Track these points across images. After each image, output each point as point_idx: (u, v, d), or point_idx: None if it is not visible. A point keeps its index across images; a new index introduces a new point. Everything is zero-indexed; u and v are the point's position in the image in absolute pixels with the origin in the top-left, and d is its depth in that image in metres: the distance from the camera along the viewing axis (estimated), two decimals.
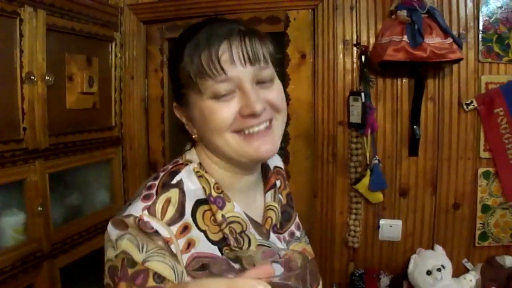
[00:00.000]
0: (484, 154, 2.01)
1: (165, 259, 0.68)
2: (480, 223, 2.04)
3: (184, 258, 0.71)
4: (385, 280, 2.03)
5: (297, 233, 0.95)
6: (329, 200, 2.11)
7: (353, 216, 2.08)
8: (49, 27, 1.67)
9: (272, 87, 0.79)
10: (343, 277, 2.12)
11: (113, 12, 2.15)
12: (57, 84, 1.74)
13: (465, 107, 1.98)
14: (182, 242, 0.72)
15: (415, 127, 1.99)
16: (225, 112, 0.74)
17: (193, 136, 0.84)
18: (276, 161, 1.01)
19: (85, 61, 1.91)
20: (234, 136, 0.76)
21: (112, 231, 0.71)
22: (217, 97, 0.74)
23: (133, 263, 0.68)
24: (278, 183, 0.96)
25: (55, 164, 1.74)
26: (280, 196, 0.96)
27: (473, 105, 1.98)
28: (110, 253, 0.71)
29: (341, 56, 2.04)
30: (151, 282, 0.67)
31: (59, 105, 1.77)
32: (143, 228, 0.69)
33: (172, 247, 0.70)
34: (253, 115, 0.74)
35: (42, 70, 1.63)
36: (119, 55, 2.19)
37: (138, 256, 0.68)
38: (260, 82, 0.77)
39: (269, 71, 0.78)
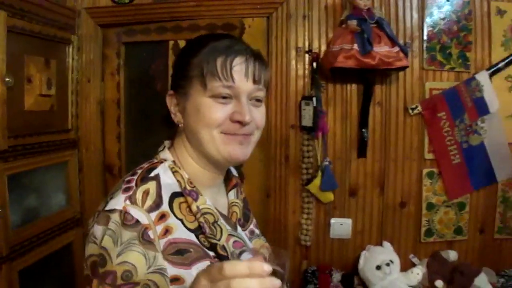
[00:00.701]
0: (428, 156, 2.25)
1: (137, 248, 0.80)
2: (425, 220, 2.28)
3: (161, 243, 0.84)
4: (337, 276, 2.22)
5: (257, 231, 1.13)
6: (282, 200, 2.29)
7: (305, 216, 2.27)
8: (9, 28, 1.77)
9: (260, 107, 0.97)
10: (297, 274, 2.30)
11: (71, 15, 2.26)
12: (16, 85, 1.83)
13: (410, 111, 2.22)
14: (159, 228, 0.85)
15: (363, 130, 2.20)
16: (219, 112, 0.91)
17: (179, 125, 0.99)
18: (234, 172, 1.19)
19: (44, 63, 2.02)
20: (220, 135, 0.92)
21: (96, 228, 0.84)
22: (217, 97, 0.91)
23: (105, 263, 0.80)
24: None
25: (13, 166, 1.82)
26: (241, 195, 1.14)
27: (418, 110, 2.23)
28: (92, 248, 0.83)
29: (293, 62, 2.23)
30: (119, 281, 0.78)
31: (18, 106, 1.86)
32: (125, 222, 0.82)
33: (150, 232, 0.83)
34: (241, 122, 0.92)
35: (1, 71, 1.72)
36: (76, 57, 2.31)
37: (114, 251, 0.80)
38: (253, 99, 0.95)
39: (263, 93, 0.98)
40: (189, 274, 0.84)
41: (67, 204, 2.32)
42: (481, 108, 2.23)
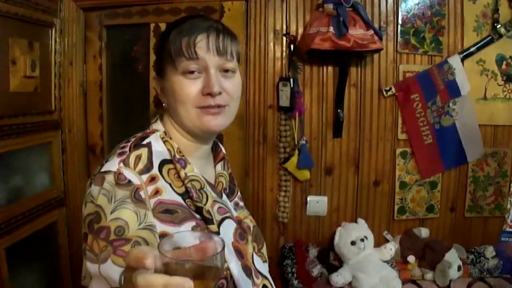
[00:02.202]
0: (402, 136, 2.36)
1: (129, 205, 0.88)
2: (399, 199, 2.38)
3: (152, 202, 0.92)
4: (313, 251, 2.31)
5: (241, 204, 1.22)
6: (260, 179, 2.37)
7: (282, 193, 2.36)
8: None
9: (232, 78, 1.04)
10: (274, 250, 2.38)
11: None
12: (1, 67, 1.89)
13: (384, 93, 2.32)
14: (150, 189, 0.93)
15: (339, 111, 2.29)
16: (190, 88, 0.99)
17: (163, 105, 1.08)
18: (223, 149, 1.28)
19: (27, 45, 2.07)
20: (195, 110, 1.00)
21: (93, 188, 0.91)
22: (186, 73, 0.99)
23: (100, 219, 0.87)
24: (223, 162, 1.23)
25: None
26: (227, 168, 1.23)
27: (392, 92, 2.33)
28: (89, 208, 0.91)
29: (271, 44, 2.30)
30: (112, 235, 0.84)
31: (3, 88, 1.92)
32: (118, 181, 0.90)
33: (142, 192, 0.91)
34: (210, 94, 0.99)
35: None
36: (59, 40, 2.35)
37: (108, 208, 0.87)
38: (223, 71, 1.02)
39: (232, 64, 1.03)
40: (177, 231, 0.91)
41: (51, 184, 2.36)
42: (453, 90, 2.33)
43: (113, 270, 0.84)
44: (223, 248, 0.67)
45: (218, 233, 0.98)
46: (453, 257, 2.23)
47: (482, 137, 2.38)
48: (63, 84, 2.42)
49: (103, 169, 0.93)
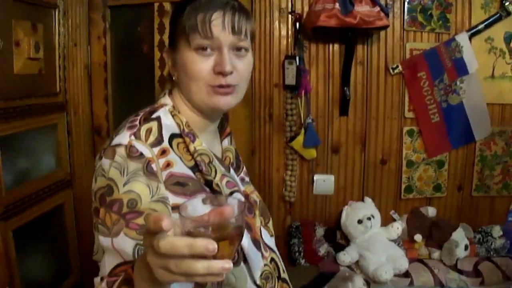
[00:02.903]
0: (408, 114, 2.35)
1: (141, 178, 0.89)
2: (405, 177, 2.38)
3: (163, 174, 0.93)
4: (320, 230, 2.32)
5: (247, 179, 1.23)
6: (267, 158, 2.38)
7: (289, 172, 2.37)
8: None
9: (244, 57, 1.03)
10: (281, 229, 2.40)
11: None
12: (5, 49, 1.87)
13: (391, 71, 2.31)
14: (161, 161, 0.94)
15: (345, 89, 2.29)
16: (203, 65, 0.99)
17: (173, 78, 1.08)
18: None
19: (31, 27, 2.06)
20: (206, 87, 1.00)
21: (104, 161, 0.92)
22: (199, 49, 0.99)
23: (112, 192, 0.87)
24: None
25: (4, 128, 1.88)
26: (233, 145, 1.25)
27: (399, 70, 2.32)
28: (100, 181, 0.91)
29: (277, 23, 2.29)
30: (125, 208, 0.84)
31: (7, 70, 1.91)
32: (130, 154, 0.90)
33: (153, 165, 0.92)
34: (222, 73, 0.97)
35: None
36: (62, 22, 2.34)
37: (120, 181, 0.88)
38: (236, 49, 1.02)
39: (246, 43, 1.02)
40: (190, 203, 0.91)
41: (57, 166, 2.37)
42: (460, 68, 2.31)
43: (126, 243, 0.84)
44: (243, 206, 0.68)
45: None
46: (460, 236, 2.24)
47: (490, 116, 2.36)
48: (68, 66, 2.41)
49: (113, 143, 0.93)
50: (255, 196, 1.20)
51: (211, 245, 0.57)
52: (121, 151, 0.91)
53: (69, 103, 2.44)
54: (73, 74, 2.43)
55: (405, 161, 2.39)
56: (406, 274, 2.15)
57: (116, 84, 2.52)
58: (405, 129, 2.37)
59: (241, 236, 0.67)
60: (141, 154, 0.91)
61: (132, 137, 0.93)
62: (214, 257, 0.59)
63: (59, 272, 2.33)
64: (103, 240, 0.86)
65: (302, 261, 2.27)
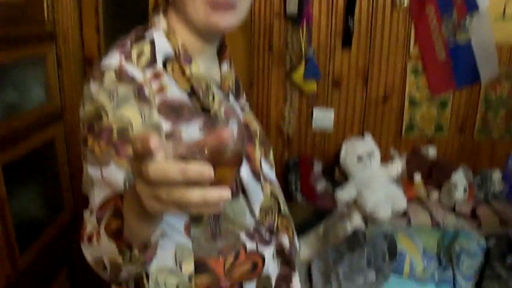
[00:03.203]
0: (414, 51, 2.29)
1: (132, 103, 0.82)
2: (407, 116, 2.35)
3: (156, 99, 0.86)
4: (318, 166, 2.31)
5: (247, 107, 1.15)
6: (265, 90, 2.35)
7: (288, 105, 2.33)
8: None
9: None
10: (278, 165, 2.38)
11: None
12: None
13: (398, 4, 2.23)
14: (154, 85, 0.87)
15: (349, 20, 2.22)
16: None
17: None
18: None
19: None
20: (203, 6, 0.91)
21: (92, 85, 0.84)
22: None
23: (101, 119, 0.81)
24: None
25: None
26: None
27: (406, 3, 2.22)
28: (88, 107, 0.84)
29: None
30: (115, 136, 0.79)
31: None
32: (120, 77, 0.83)
33: (146, 89, 0.84)
34: None
35: None
36: None
37: (109, 106, 0.81)
38: None
39: None
40: (185, 130, 0.86)
41: (47, 99, 2.30)
42: (470, 4, 2.22)
43: (116, 173, 0.79)
44: (244, 130, 0.60)
45: None
46: (459, 178, 2.22)
47: (498, 57, 2.29)
48: None
49: (102, 64, 0.86)
50: (255, 126, 1.12)
51: (207, 170, 0.51)
52: (110, 74, 0.83)
53: (58, 33, 2.34)
54: (61, 1, 2.32)
55: (408, 98, 2.35)
56: (404, 214, 2.15)
57: (108, 12, 2.40)
58: (410, 65, 2.31)
59: (240, 162, 0.60)
60: (133, 78, 0.84)
61: (123, 58, 0.86)
62: (211, 185, 0.52)
63: (52, 208, 2.30)
64: (92, 171, 0.81)
65: (299, 198, 2.26)
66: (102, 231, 0.69)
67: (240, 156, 0.60)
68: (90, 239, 0.73)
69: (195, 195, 0.52)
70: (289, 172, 2.31)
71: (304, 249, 1.99)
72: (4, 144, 1.88)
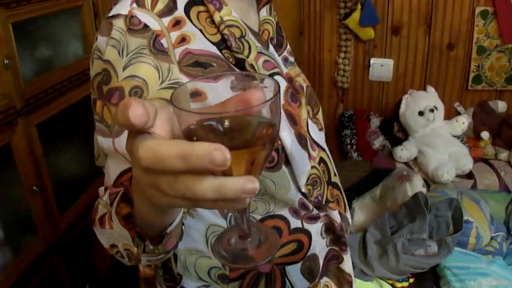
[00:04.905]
0: None
1: (146, 58, 0.72)
2: (475, 66, 2.22)
3: (177, 52, 0.74)
4: (375, 121, 2.25)
5: (291, 59, 1.02)
6: (317, 38, 2.28)
7: (342, 55, 2.26)
8: None
9: None
10: (332, 118, 2.34)
11: None
12: None
13: None
14: (174, 35, 0.75)
15: None
16: None
17: None
18: None
19: None
20: None
21: (100, 39, 0.75)
22: None
23: (110, 79, 0.72)
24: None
25: (18, 13, 1.70)
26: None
27: None
28: (97, 66, 0.75)
29: None
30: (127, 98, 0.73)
31: None
32: (131, 27, 0.73)
33: (163, 41, 0.73)
34: None
35: None
36: None
37: (119, 64, 0.72)
38: None
39: None
40: (214, 89, 0.64)
41: (84, 53, 2.27)
42: None
43: None
44: (278, 92, 0.43)
45: None
46: None
47: None
48: None
49: (110, 13, 0.74)
50: (302, 81, 0.98)
51: (220, 153, 0.36)
52: (119, 23, 0.72)
53: None
54: None
55: (476, 46, 2.22)
56: (469, 175, 2.08)
57: None
58: (478, 9, 2.17)
59: (274, 138, 0.45)
60: (146, 26, 0.72)
61: (134, 4, 0.73)
62: (229, 173, 0.39)
63: (91, 170, 2.28)
64: (103, 142, 0.72)
65: (354, 155, 2.22)
66: (114, 214, 0.58)
67: (274, 133, 0.44)
68: (102, 222, 0.63)
69: (206, 187, 0.38)
70: (344, 127, 2.26)
71: (359, 213, 1.93)
72: (38, 103, 1.84)
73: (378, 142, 2.21)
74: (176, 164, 0.37)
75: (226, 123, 0.41)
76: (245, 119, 0.42)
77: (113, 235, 0.62)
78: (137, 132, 0.39)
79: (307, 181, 0.84)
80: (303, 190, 0.83)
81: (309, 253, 0.85)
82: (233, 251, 0.49)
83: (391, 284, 1.61)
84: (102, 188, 0.70)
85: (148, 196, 0.43)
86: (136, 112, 0.37)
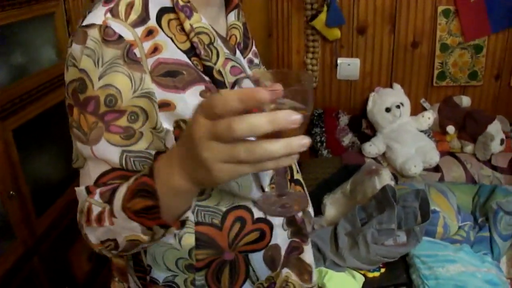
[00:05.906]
0: None
1: (121, 68, 0.74)
2: (439, 63, 2.28)
3: (149, 62, 0.77)
4: (344, 119, 2.28)
5: (256, 61, 1.05)
6: (285, 40, 2.31)
7: (310, 55, 2.29)
8: None
9: None
10: None
11: None
12: None
13: None
14: (147, 45, 0.77)
15: None
16: None
17: None
18: None
19: None
20: None
21: (75, 47, 0.76)
22: None
23: (86, 88, 0.74)
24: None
25: None
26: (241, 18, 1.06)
27: None
28: (72, 73, 0.77)
29: None
30: (102, 108, 0.73)
31: None
32: (106, 37, 0.74)
33: (136, 51, 0.75)
34: None
35: None
36: None
37: (95, 73, 0.74)
38: None
39: None
40: (182, 99, 0.78)
41: (58, 58, 2.27)
42: None
43: (109, 151, 0.74)
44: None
45: None
46: (496, 129, 2.17)
47: None
48: None
49: (85, 22, 0.76)
50: (267, 78, 1.04)
51: (295, 115, 0.50)
52: (94, 33, 0.74)
53: None
54: None
55: (439, 44, 2.28)
56: (437, 168, 2.12)
57: None
58: (440, 8, 2.23)
59: (309, 116, 0.60)
60: (120, 37, 0.75)
61: (108, 14, 0.76)
62: (286, 135, 0.52)
63: (67, 173, 2.29)
64: (82, 148, 0.76)
65: (325, 152, 2.24)
66: (118, 211, 0.68)
67: (310, 96, 0.60)
68: (100, 220, 0.71)
69: (279, 146, 0.51)
70: (314, 125, 2.28)
71: (331, 208, 1.97)
72: (13, 108, 1.85)
73: (348, 139, 2.24)
74: (264, 125, 0.50)
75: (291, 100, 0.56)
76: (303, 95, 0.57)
77: (113, 230, 0.70)
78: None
79: (270, 181, 0.88)
80: (267, 189, 0.87)
81: (271, 243, 0.89)
82: (277, 206, 0.67)
83: (363, 274, 1.65)
84: (81, 188, 0.75)
85: (216, 170, 0.54)
86: (266, 93, 0.50)
